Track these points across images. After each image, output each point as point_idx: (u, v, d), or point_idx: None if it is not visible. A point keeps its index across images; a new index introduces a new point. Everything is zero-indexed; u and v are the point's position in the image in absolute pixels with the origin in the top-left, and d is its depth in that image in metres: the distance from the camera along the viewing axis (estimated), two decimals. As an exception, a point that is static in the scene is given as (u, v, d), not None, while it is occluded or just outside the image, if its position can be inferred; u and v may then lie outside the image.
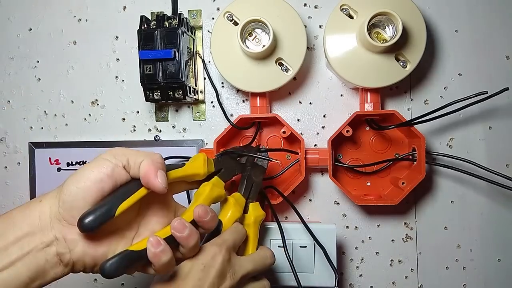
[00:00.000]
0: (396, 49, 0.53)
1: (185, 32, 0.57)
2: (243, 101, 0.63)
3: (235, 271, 0.40)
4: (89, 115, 0.65)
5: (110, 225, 0.35)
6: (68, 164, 0.65)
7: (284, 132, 0.55)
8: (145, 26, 0.56)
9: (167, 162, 0.40)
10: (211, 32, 0.59)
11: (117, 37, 0.65)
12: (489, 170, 0.55)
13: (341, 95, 0.62)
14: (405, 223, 0.61)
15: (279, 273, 0.56)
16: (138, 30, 0.55)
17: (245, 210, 0.48)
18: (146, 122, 0.64)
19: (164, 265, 0.35)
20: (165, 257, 0.35)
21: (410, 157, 0.56)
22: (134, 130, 0.65)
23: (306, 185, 0.62)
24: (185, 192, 0.51)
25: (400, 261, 0.61)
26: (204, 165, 0.43)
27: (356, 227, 0.62)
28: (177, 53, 0.54)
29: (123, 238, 0.38)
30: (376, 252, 0.62)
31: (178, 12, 0.63)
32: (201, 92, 0.63)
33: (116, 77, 0.65)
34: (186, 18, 0.59)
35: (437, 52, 0.60)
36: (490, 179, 0.54)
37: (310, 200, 0.62)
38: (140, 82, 0.56)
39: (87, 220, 0.32)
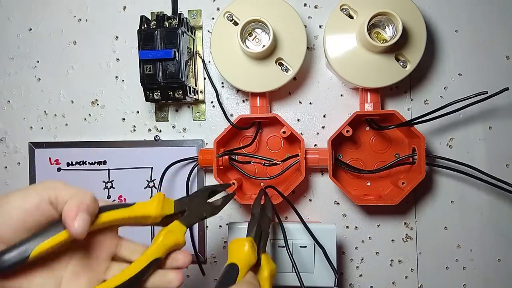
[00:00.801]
0: (396, 49, 0.53)
1: (185, 32, 0.57)
2: (243, 101, 0.63)
3: None
4: (89, 115, 0.65)
5: (31, 263, 0.31)
6: (68, 164, 0.65)
7: (284, 132, 0.55)
8: (145, 26, 0.56)
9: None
10: (211, 32, 0.59)
11: (117, 37, 0.65)
12: (489, 175, 0.55)
13: (341, 95, 0.62)
14: (405, 223, 0.61)
15: (280, 273, 0.56)
16: (138, 30, 0.55)
17: (257, 262, 0.42)
18: (146, 122, 0.64)
19: None
20: None
21: (410, 159, 0.56)
22: (134, 130, 0.65)
23: (306, 185, 0.62)
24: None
25: (400, 261, 0.61)
26: (157, 207, 0.38)
27: (356, 227, 0.62)
28: (177, 53, 0.54)
29: (52, 272, 0.33)
30: (376, 252, 0.62)
31: (178, 12, 0.63)
32: (201, 92, 0.63)
33: (116, 77, 0.65)
34: (186, 18, 0.59)
35: (437, 52, 0.60)
36: (490, 181, 0.54)
37: (310, 200, 0.62)
38: (140, 82, 0.56)
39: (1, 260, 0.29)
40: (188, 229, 0.40)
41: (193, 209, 0.41)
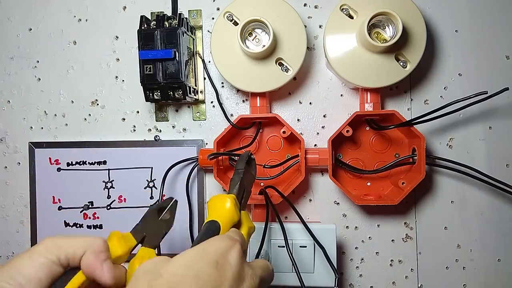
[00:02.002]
0: (396, 49, 0.53)
1: (185, 32, 0.57)
2: (243, 101, 0.63)
3: (256, 274, 0.33)
4: (89, 115, 0.65)
5: None
6: (68, 164, 0.65)
7: (284, 132, 0.55)
8: (145, 26, 0.56)
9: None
10: (211, 32, 0.59)
11: (117, 37, 0.65)
12: (489, 176, 0.55)
13: (341, 95, 0.62)
14: (405, 223, 0.61)
15: (280, 273, 0.56)
16: (138, 30, 0.55)
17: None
18: (146, 122, 0.64)
19: None
20: None
21: (410, 159, 0.56)
22: (134, 130, 0.65)
23: (306, 185, 0.62)
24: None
25: (400, 261, 0.61)
26: (120, 246, 0.36)
27: (356, 227, 0.62)
28: (177, 53, 0.54)
29: None
30: (376, 252, 0.62)
31: (178, 12, 0.63)
32: (201, 92, 0.63)
33: (116, 77, 0.65)
34: (186, 18, 0.59)
35: (437, 52, 0.60)
36: (490, 181, 0.55)
37: (310, 200, 0.62)
38: (140, 82, 0.56)
39: None
40: (156, 250, 0.39)
41: (151, 232, 0.40)
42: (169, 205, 0.43)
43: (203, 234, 0.36)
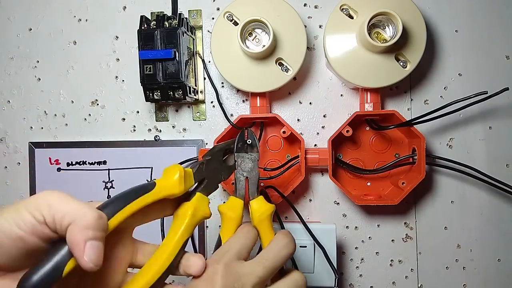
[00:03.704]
0: (396, 49, 0.53)
1: (185, 32, 0.57)
2: (243, 101, 0.63)
3: (243, 283, 0.33)
4: (89, 115, 0.65)
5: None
6: (68, 164, 0.65)
7: (284, 132, 0.55)
8: (145, 26, 0.56)
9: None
10: (211, 32, 0.59)
11: (117, 37, 0.65)
12: (489, 176, 0.55)
13: (341, 95, 0.62)
14: (405, 223, 0.61)
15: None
16: (138, 30, 0.55)
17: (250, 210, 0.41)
18: (146, 122, 0.64)
19: None
20: None
21: (410, 159, 0.56)
22: (134, 130, 0.65)
23: (306, 185, 0.62)
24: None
25: (400, 261, 0.61)
26: (180, 183, 0.34)
27: (356, 227, 0.62)
28: (177, 53, 0.54)
29: None
30: (376, 252, 0.62)
31: (178, 12, 0.63)
32: (201, 92, 0.63)
33: (116, 77, 0.65)
34: (186, 18, 0.59)
35: (437, 52, 0.60)
36: (490, 181, 0.55)
37: (310, 200, 0.62)
38: (140, 82, 0.56)
39: (31, 282, 0.26)
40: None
41: (210, 176, 0.38)
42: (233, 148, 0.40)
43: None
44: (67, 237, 0.27)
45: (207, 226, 0.63)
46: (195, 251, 0.61)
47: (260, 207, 0.40)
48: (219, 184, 0.39)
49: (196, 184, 0.37)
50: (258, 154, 0.43)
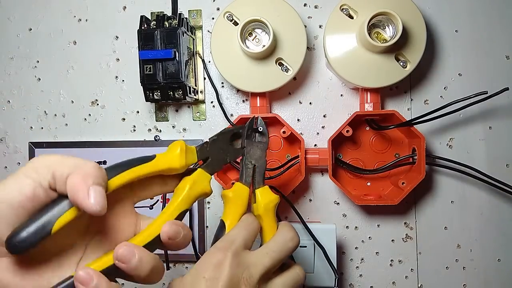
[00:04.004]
0: (396, 49, 0.53)
1: (185, 32, 0.57)
2: (243, 101, 0.63)
3: (251, 273, 0.33)
4: (89, 115, 0.65)
5: (45, 247, 0.28)
6: (68, 164, 0.65)
7: (284, 132, 0.55)
8: (145, 26, 0.56)
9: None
10: (211, 32, 0.59)
11: (117, 37, 0.65)
12: (489, 176, 0.56)
13: (341, 95, 0.62)
14: (405, 223, 0.61)
15: (279, 273, 0.56)
16: (138, 30, 0.55)
17: (254, 200, 0.40)
18: (146, 122, 0.64)
19: None
20: None
21: (411, 159, 0.56)
22: (134, 130, 0.65)
23: (306, 185, 0.62)
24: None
25: (400, 261, 0.61)
26: (181, 157, 0.35)
27: (356, 227, 0.62)
28: (177, 53, 0.54)
29: (61, 266, 0.30)
30: (376, 252, 0.62)
31: (178, 12, 0.63)
32: (201, 92, 0.63)
33: (116, 77, 0.65)
34: (186, 18, 0.59)
35: (437, 52, 0.60)
36: (490, 181, 0.55)
37: (310, 200, 0.62)
38: (140, 82, 0.56)
39: (19, 237, 0.26)
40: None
41: (215, 155, 0.38)
42: (255, 128, 0.41)
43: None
44: (68, 186, 0.27)
45: (207, 226, 0.63)
46: (195, 251, 0.61)
47: (266, 197, 0.40)
48: (222, 167, 0.39)
49: (201, 162, 0.38)
50: (268, 143, 0.43)
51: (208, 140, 0.39)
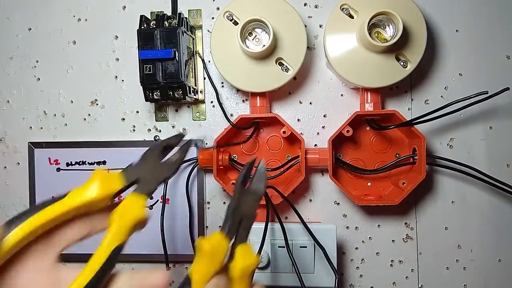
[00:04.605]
0: (397, 49, 0.53)
1: (185, 32, 0.57)
2: (243, 101, 0.63)
3: None
4: (89, 115, 0.65)
5: None
6: (67, 164, 0.65)
7: (284, 132, 0.55)
8: (145, 25, 0.56)
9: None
10: (211, 32, 0.59)
11: (116, 37, 0.65)
12: (489, 176, 0.55)
13: (341, 95, 0.61)
14: (405, 223, 0.61)
15: (280, 273, 0.55)
16: (137, 30, 0.55)
17: (231, 256, 0.33)
18: (146, 122, 0.64)
19: None
20: None
21: (411, 159, 0.56)
22: (134, 130, 0.64)
23: (306, 185, 0.62)
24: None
25: (400, 261, 0.61)
26: (99, 187, 0.30)
27: (356, 227, 0.62)
28: (177, 52, 0.54)
29: None
30: (377, 253, 0.62)
31: (178, 11, 0.62)
32: (201, 92, 0.63)
33: (116, 77, 0.65)
34: (186, 17, 0.59)
35: (438, 52, 0.60)
36: (490, 181, 0.54)
37: (310, 200, 0.62)
38: (140, 82, 0.55)
39: None
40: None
41: (146, 175, 0.33)
42: (176, 145, 0.35)
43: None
44: None
45: (207, 226, 0.63)
46: (195, 252, 0.61)
47: (246, 258, 0.33)
48: (158, 186, 0.33)
49: (129, 187, 0.32)
50: (263, 194, 0.36)
51: (132, 162, 0.34)
